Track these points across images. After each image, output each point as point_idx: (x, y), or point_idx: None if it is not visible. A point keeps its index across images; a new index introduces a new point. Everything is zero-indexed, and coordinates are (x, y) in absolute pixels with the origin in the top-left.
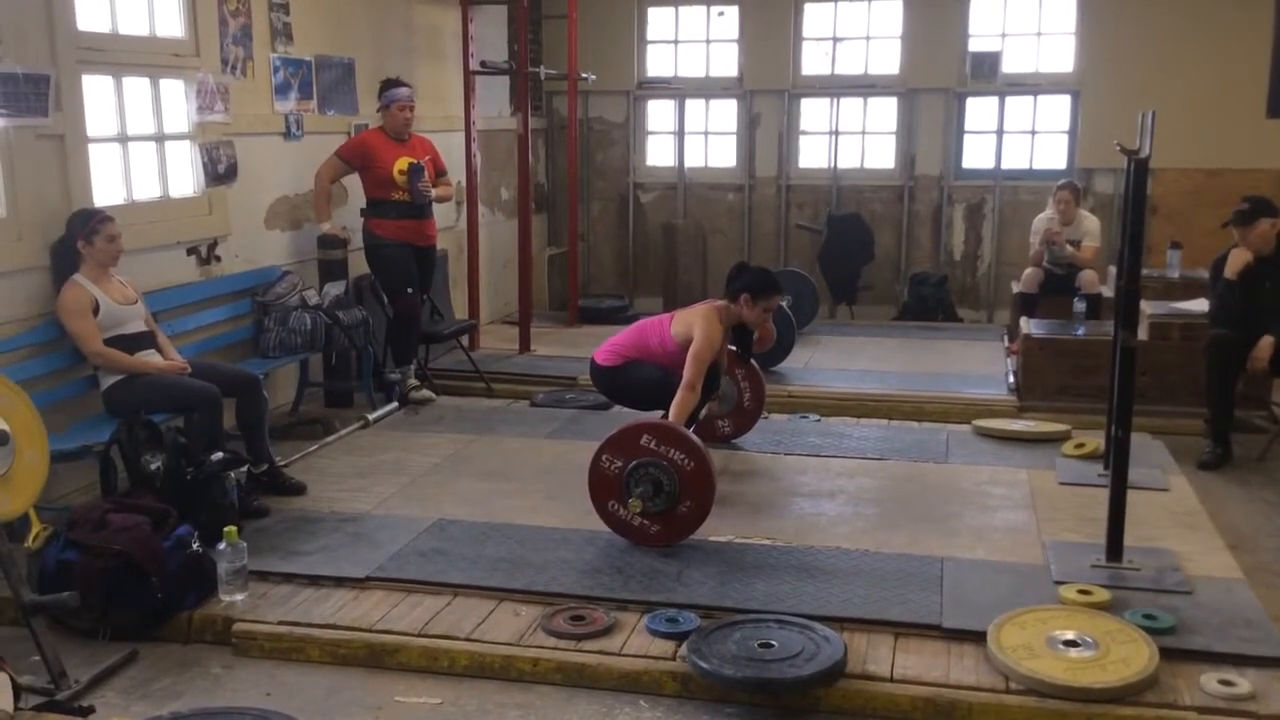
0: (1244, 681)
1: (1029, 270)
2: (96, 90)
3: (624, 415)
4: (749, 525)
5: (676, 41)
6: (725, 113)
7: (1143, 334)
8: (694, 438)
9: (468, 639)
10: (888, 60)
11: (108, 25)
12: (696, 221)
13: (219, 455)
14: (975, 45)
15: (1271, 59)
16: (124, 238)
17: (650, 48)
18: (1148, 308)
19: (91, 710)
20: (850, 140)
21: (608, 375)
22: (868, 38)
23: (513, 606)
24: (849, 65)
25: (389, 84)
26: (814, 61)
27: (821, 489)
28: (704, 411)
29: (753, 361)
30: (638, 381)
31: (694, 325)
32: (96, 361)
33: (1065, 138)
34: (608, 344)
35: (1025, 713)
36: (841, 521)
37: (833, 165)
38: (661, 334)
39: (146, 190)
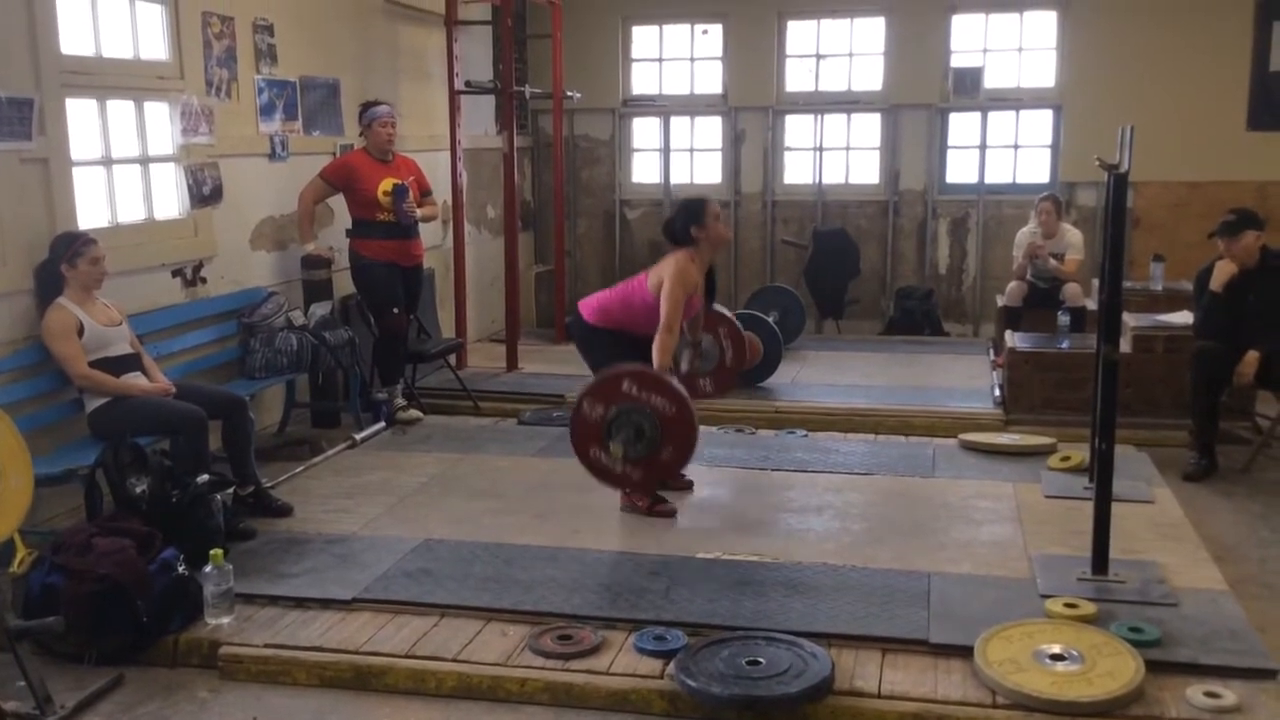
0: (1230, 694)
1: (1013, 284)
2: (80, 113)
3: None
4: (736, 542)
5: (661, 59)
6: (710, 130)
7: (1126, 347)
8: (676, 383)
9: (455, 660)
10: (871, 77)
11: (91, 49)
12: None
13: (205, 477)
14: (957, 61)
15: (1251, 72)
16: (109, 260)
17: (635, 66)
18: (1131, 320)
19: None
20: (835, 156)
21: (589, 331)
22: (851, 55)
23: (500, 626)
24: (832, 82)
25: (369, 104)
26: (798, 78)
27: (809, 504)
28: (685, 366)
29: (733, 317)
30: (614, 350)
31: (664, 272)
32: (82, 384)
33: (1048, 152)
34: (596, 298)
35: None
36: (828, 537)
37: (817, 181)
38: (641, 291)
39: (131, 213)
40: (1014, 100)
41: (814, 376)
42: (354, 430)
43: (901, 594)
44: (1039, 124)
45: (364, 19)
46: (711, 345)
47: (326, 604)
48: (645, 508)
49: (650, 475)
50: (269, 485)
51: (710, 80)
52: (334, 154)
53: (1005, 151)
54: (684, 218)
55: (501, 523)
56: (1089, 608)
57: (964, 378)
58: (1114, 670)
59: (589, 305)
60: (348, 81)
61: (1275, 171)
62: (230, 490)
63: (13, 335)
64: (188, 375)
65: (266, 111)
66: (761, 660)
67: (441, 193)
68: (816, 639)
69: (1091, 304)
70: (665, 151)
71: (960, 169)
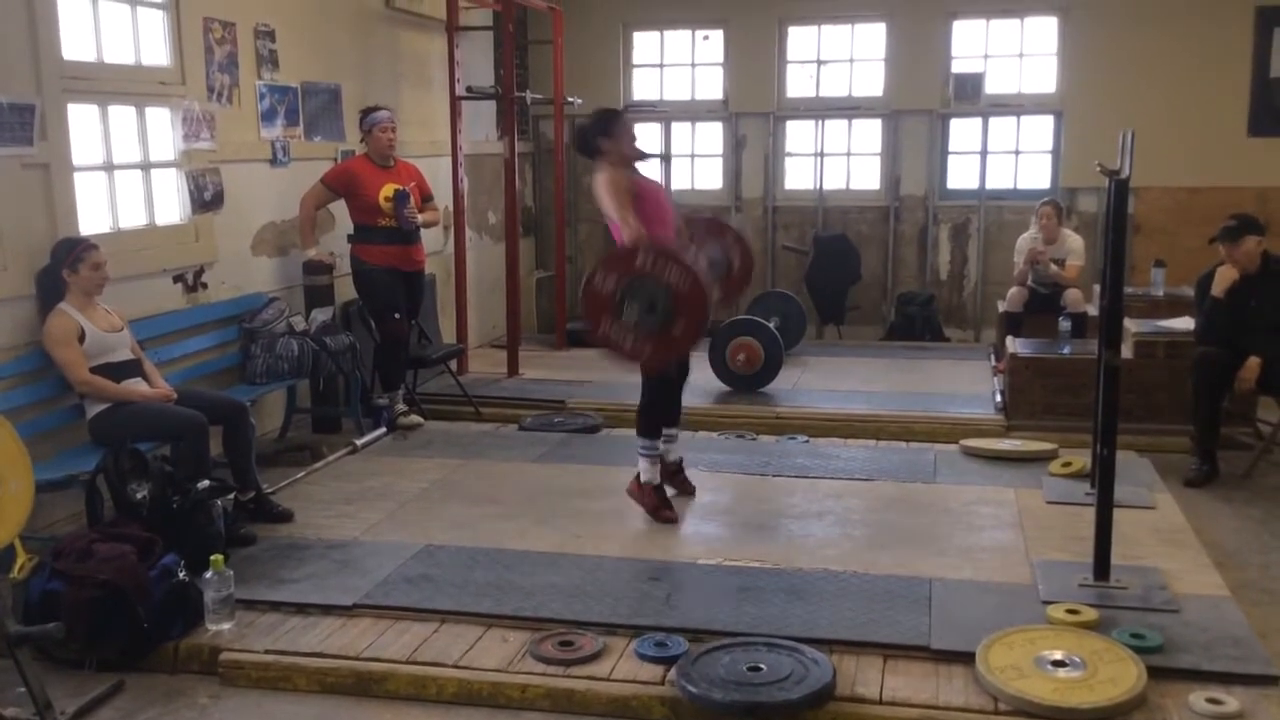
0: (1232, 700)
1: (1014, 289)
2: (82, 119)
3: (612, 438)
4: (737, 548)
5: (662, 65)
6: (711, 135)
7: (1128, 352)
8: (690, 257)
9: (456, 666)
10: (872, 82)
11: (93, 54)
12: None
13: (205, 483)
14: (958, 67)
15: (1252, 78)
16: (110, 266)
17: (636, 71)
18: (1132, 326)
19: None
20: (835, 162)
21: None
22: (851, 60)
23: (501, 632)
24: (833, 87)
25: (369, 110)
26: (799, 84)
27: (810, 510)
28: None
29: (740, 230)
30: None
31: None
32: (83, 390)
33: (1049, 158)
34: None
35: None
36: (830, 543)
37: (818, 187)
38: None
39: (133, 218)
40: (1015, 106)
41: (815, 382)
42: (355, 436)
43: (903, 600)
44: (1040, 129)
45: (365, 24)
46: (719, 254)
47: (327, 610)
48: (651, 507)
49: (661, 351)
50: (270, 491)
51: (711, 86)
52: (335, 159)
53: (1006, 157)
54: (593, 128)
55: (502, 528)
56: (1091, 614)
57: (965, 383)
58: (1116, 677)
59: None
60: (349, 87)
61: (1276, 177)
62: (231, 496)
63: (14, 341)
64: (189, 381)
65: (268, 117)
66: (763, 666)
67: (443, 198)
68: (818, 645)
69: (1092, 309)
70: (666, 157)
71: (961, 174)
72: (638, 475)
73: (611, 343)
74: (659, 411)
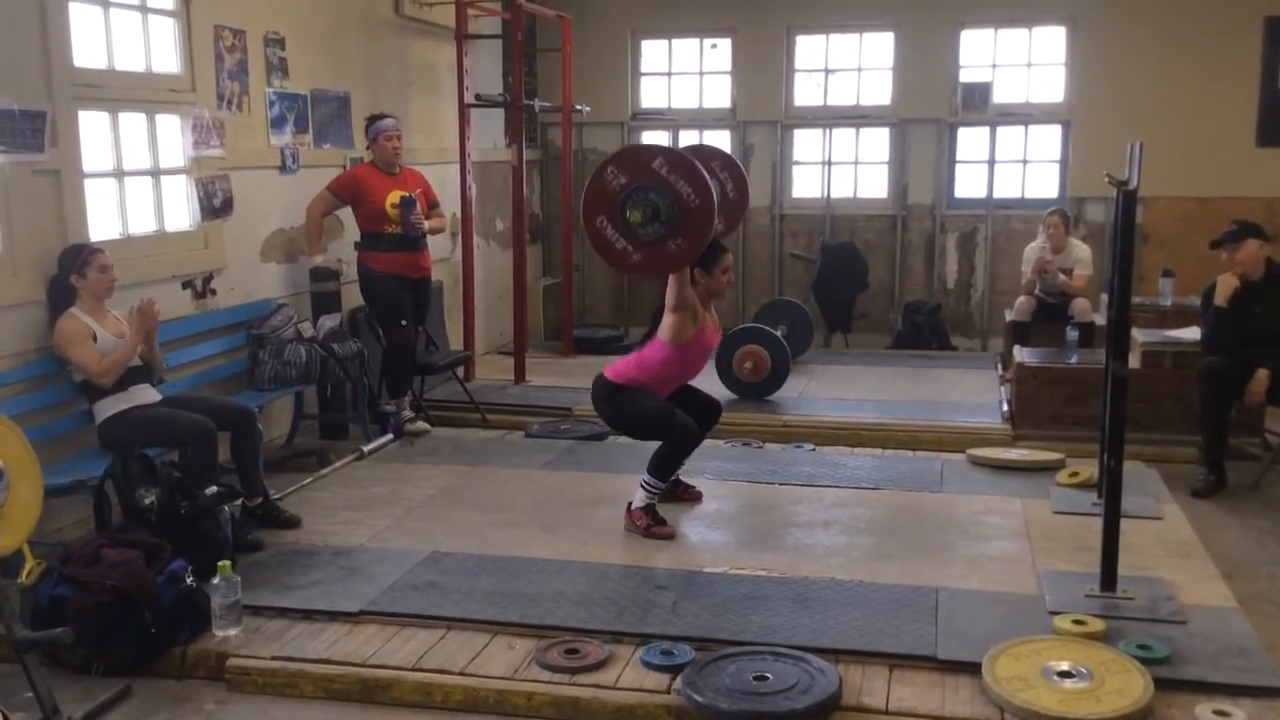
0: (1239, 712)
1: (1022, 299)
2: (93, 126)
3: (619, 446)
4: (744, 556)
5: (670, 74)
6: (719, 143)
7: (1135, 362)
8: (708, 176)
9: (462, 673)
10: (879, 91)
11: (104, 62)
12: None
13: (213, 489)
14: (966, 76)
15: (1260, 88)
16: (120, 272)
17: (644, 80)
18: (1140, 336)
19: None
20: (843, 170)
21: (609, 389)
22: (859, 69)
23: (507, 640)
24: (841, 96)
25: (374, 118)
26: (806, 93)
27: (816, 519)
28: None
29: (728, 152)
30: (641, 409)
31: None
32: (105, 379)
33: (1057, 167)
34: (618, 362)
35: None
36: (836, 552)
37: (826, 195)
38: (653, 345)
39: (142, 224)
40: (1023, 115)
41: (821, 390)
42: (362, 442)
43: (909, 609)
44: (1048, 139)
45: (374, 32)
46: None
47: (334, 616)
48: (644, 528)
49: (650, 262)
50: (277, 497)
51: (719, 94)
52: (344, 166)
53: (1014, 166)
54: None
55: (508, 536)
56: (1097, 625)
57: (972, 392)
58: (1122, 688)
59: (610, 368)
60: (358, 95)
61: None
62: (238, 502)
63: (24, 346)
64: (197, 387)
65: (277, 124)
66: (769, 675)
67: (450, 205)
68: (824, 654)
69: (1100, 319)
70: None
71: (969, 184)
72: (630, 504)
73: (603, 243)
74: (677, 462)
